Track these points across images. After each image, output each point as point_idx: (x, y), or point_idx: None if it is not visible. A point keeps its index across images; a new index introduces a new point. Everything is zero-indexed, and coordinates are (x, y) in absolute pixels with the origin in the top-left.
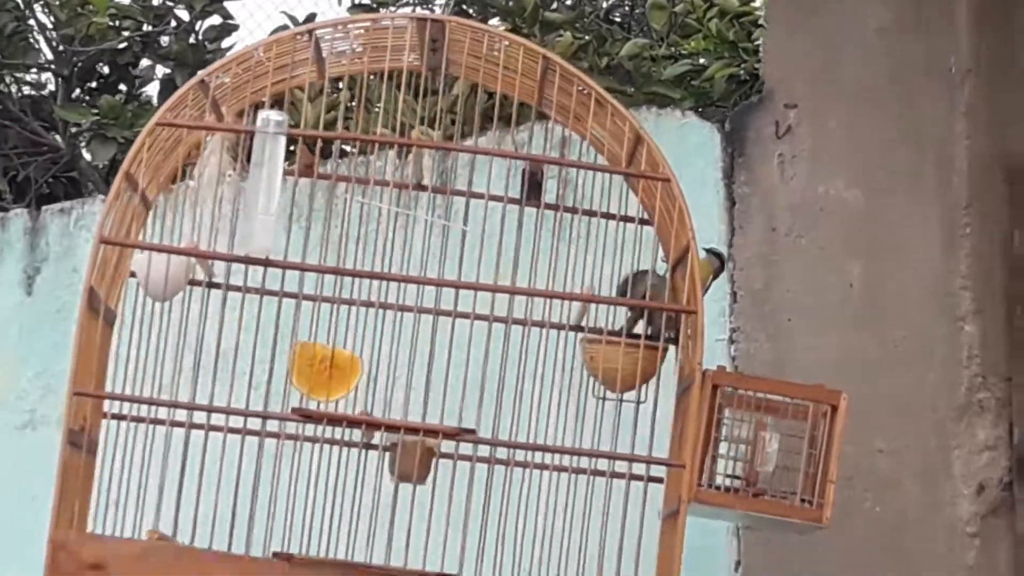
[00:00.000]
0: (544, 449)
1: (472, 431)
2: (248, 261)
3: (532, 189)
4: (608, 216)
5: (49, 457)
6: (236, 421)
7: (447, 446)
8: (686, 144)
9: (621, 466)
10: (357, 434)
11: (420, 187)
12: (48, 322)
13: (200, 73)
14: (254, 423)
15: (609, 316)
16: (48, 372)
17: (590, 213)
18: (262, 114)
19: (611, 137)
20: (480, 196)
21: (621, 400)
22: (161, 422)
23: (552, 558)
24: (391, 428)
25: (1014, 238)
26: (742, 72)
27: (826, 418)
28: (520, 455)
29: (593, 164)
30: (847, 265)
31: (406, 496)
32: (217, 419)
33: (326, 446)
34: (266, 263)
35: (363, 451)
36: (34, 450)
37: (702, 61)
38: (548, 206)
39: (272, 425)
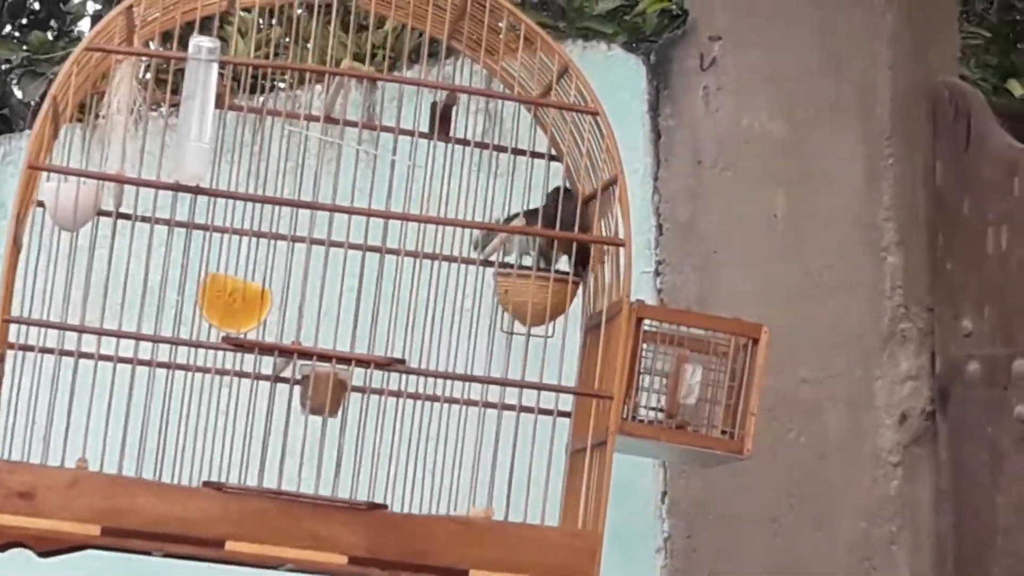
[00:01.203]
0: (472, 379)
1: (402, 361)
2: (179, 188)
3: (442, 123)
4: (518, 152)
5: None
6: (163, 352)
7: (376, 377)
8: (611, 77)
9: (530, 401)
10: (267, 368)
11: (349, 122)
12: None
13: (126, 2)
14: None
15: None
16: None
17: (500, 148)
18: (194, 40)
19: (526, 73)
20: (409, 133)
21: (529, 335)
22: (89, 356)
23: (463, 489)
24: (323, 357)
25: (936, 168)
26: (673, 7)
27: (746, 350)
28: (438, 389)
29: (520, 96)
30: (772, 196)
31: (326, 427)
32: (123, 350)
33: (244, 378)
34: (196, 191)
35: (275, 384)
36: None
37: None
38: (458, 141)
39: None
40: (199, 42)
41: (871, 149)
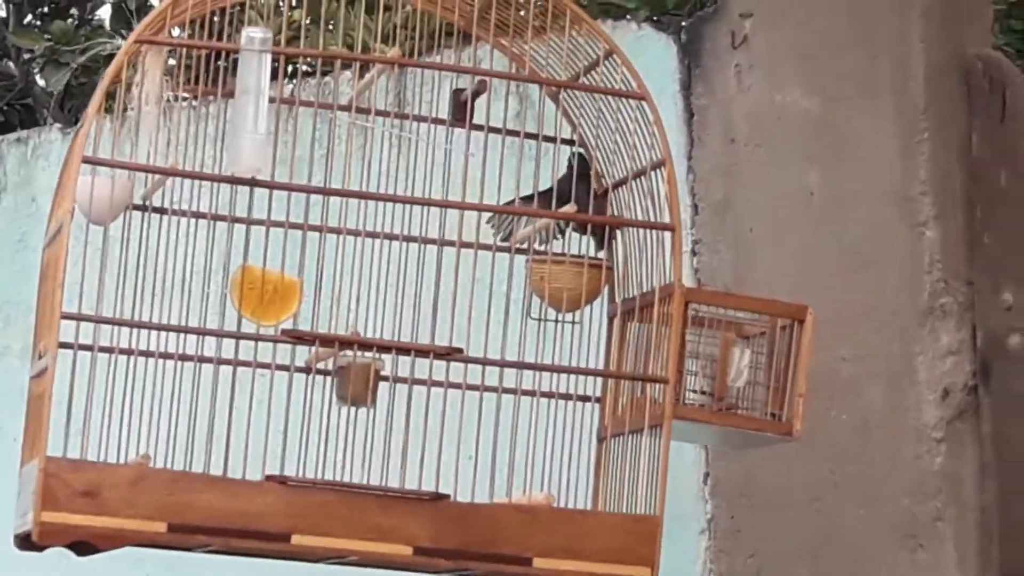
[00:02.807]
0: (527, 366)
1: (460, 350)
2: (234, 181)
3: (461, 110)
4: (531, 136)
5: (13, 387)
6: (209, 345)
7: (430, 366)
8: (643, 57)
9: (562, 387)
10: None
11: (381, 112)
12: (7, 253)
13: None
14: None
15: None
16: (9, 303)
17: (513, 133)
18: (246, 31)
19: (555, 57)
20: (441, 122)
21: (559, 320)
22: (151, 354)
23: (514, 476)
24: (383, 348)
25: (972, 141)
26: None
27: (786, 331)
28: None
29: (564, 81)
30: (806, 173)
31: (376, 418)
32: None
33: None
34: (252, 183)
35: (311, 375)
36: None
37: None
38: (475, 127)
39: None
40: (251, 33)
41: (905, 123)
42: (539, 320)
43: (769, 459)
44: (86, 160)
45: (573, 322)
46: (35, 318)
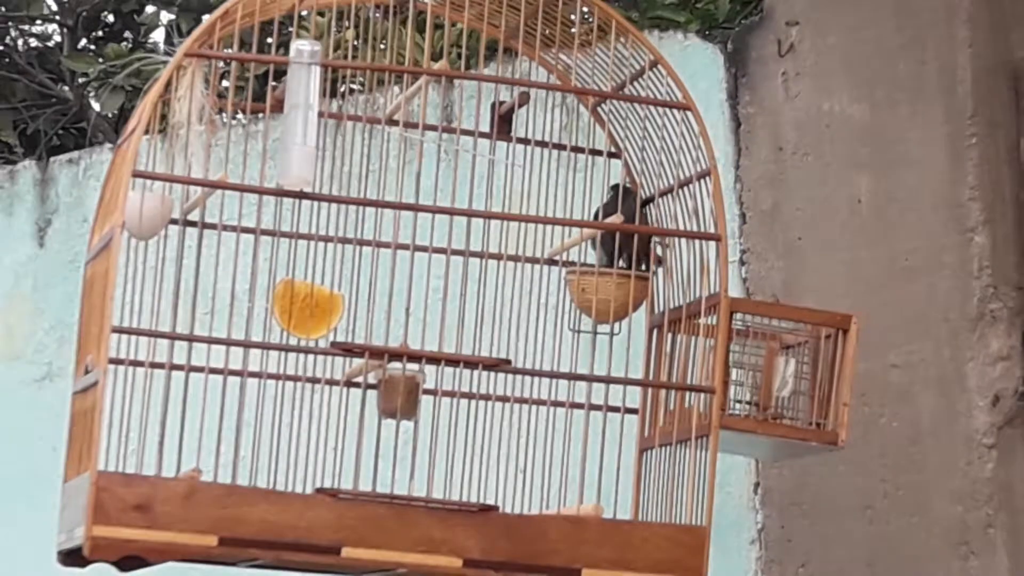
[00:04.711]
0: (577, 378)
1: (508, 361)
2: (282, 193)
3: (502, 123)
4: (577, 150)
5: (67, 409)
6: (254, 358)
7: (478, 377)
8: (689, 67)
9: (601, 398)
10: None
11: (429, 127)
12: (61, 273)
13: (226, 3)
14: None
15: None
16: (63, 324)
17: (560, 147)
18: (295, 44)
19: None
20: (487, 136)
21: (595, 332)
22: (203, 369)
23: (557, 487)
24: (432, 360)
25: (1021, 146)
26: None
27: (830, 340)
28: (535, 390)
29: (608, 92)
30: (854, 180)
31: (420, 430)
32: (215, 361)
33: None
34: (299, 195)
35: (363, 389)
36: (52, 402)
37: None
38: (519, 140)
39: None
40: (300, 46)
41: (953, 129)
42: (576, 331)
43: (820, 468)
44: (136, 174)
45: (612, 333)
46: (79, 333)
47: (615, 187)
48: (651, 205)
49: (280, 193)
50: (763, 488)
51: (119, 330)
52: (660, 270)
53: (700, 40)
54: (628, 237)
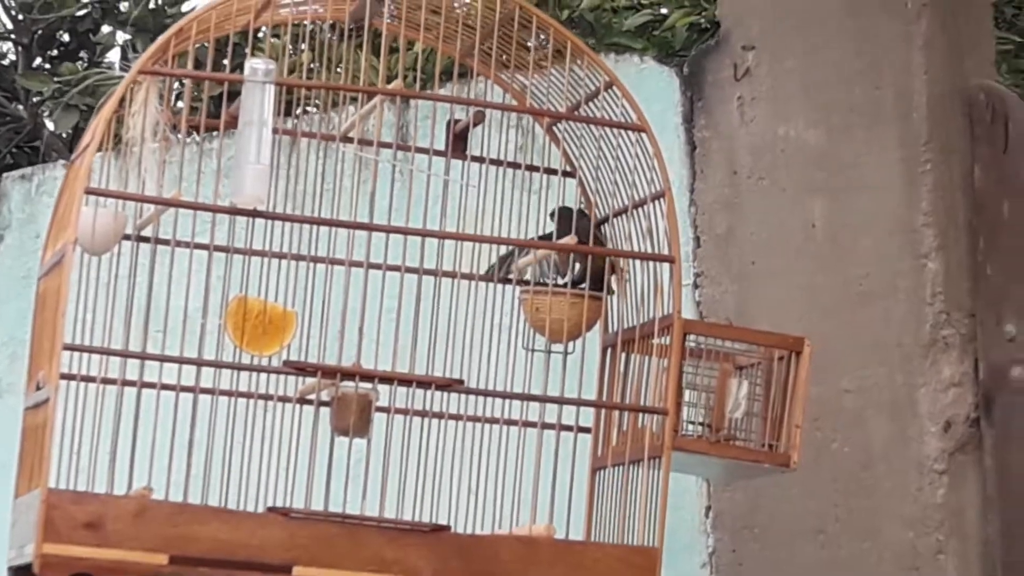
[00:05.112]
0: (531, 398)
1: (461, 381)
2: (236, 212)
3: (456, 142)
4: (532, 169)
5: (17, 425)
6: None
7: (430, 397)
8: (645, 89)
9: (554, 418)
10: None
11: (384, 145)
12: (14, 289)
13: (180, 21)
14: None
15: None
16: (14, 340)
17: (514, 165)
18: (250, 63)
19: (554, 89)
20: (441, 154)
21: (549, 351)
22: (155, 385)
23: (509, 507)
24: (384, 379)
25: (975, 172)
26: (703, 20)
27: (783, 362)
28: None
29: (563, 113)
30: (809, 205)
31: (373, 449)
32: (168, 377)
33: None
34: (253, 214)
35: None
36: (3, 418)
37: (663, 11)
38: (474, 159)
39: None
40: (254, 64)
41: (908, 155)
42: (530, 350)
43: (772, 491)
44: (90, 191)
45: (565, 353)
46: (30, 349)
47: (564, 210)
48: (605, 225)
49: (234, 211)
50: (715, 511)
51: (71, 347)
52: (619, 291)
53: (656, 63)
54: (583, 257)
